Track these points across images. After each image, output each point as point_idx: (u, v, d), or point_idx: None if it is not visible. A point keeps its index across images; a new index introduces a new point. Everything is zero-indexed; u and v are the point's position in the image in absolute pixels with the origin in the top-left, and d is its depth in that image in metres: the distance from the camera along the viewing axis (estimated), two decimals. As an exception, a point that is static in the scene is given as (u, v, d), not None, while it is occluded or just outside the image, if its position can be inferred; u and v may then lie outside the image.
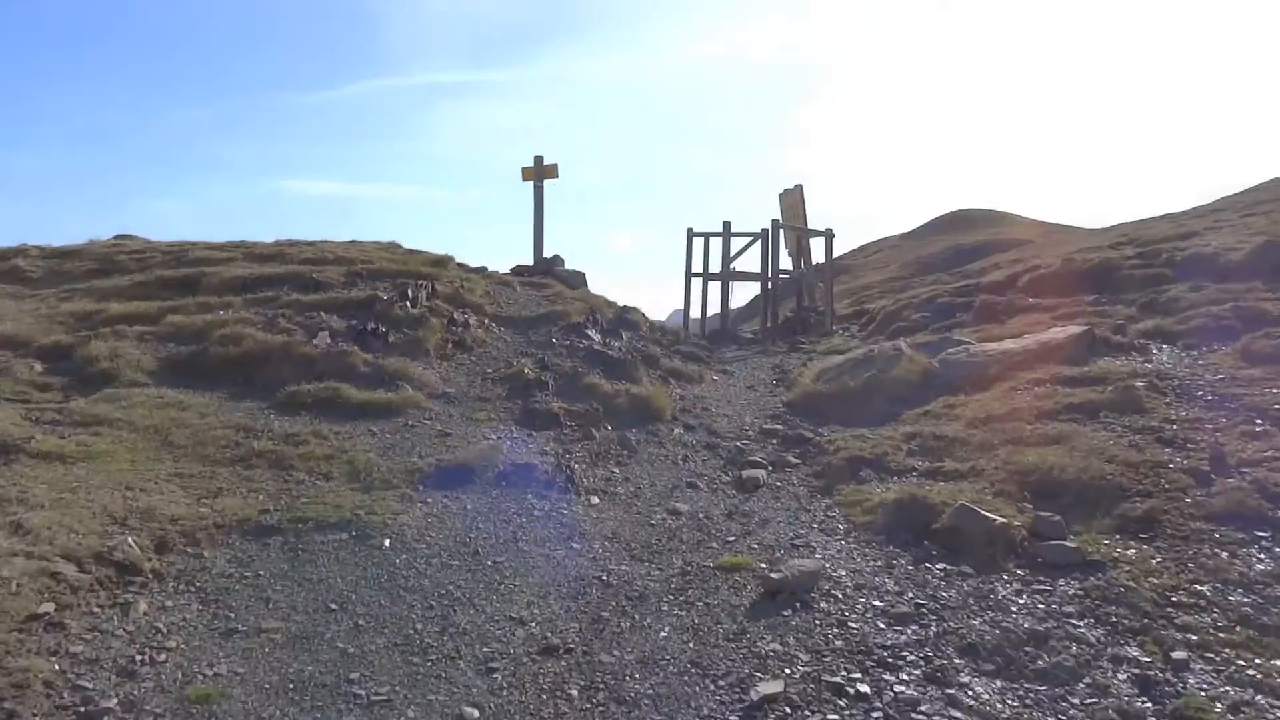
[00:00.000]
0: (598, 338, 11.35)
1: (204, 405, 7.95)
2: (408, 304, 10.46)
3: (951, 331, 14.05)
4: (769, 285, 18.93)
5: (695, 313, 20.20)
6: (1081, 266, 15.60)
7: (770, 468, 8.15)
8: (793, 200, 21.02)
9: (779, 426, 9.53)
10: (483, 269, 14.32)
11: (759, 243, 18.71)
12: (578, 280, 16.34)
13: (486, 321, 11.15)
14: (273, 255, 12.73)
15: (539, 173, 17.13)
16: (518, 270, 16.67)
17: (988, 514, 6.26)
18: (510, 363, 10.01)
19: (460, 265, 14.70)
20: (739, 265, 18.97)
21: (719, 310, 19.51)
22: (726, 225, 18.22)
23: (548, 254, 17.30)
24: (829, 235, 19.77)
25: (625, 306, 14.48)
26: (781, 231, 18.88)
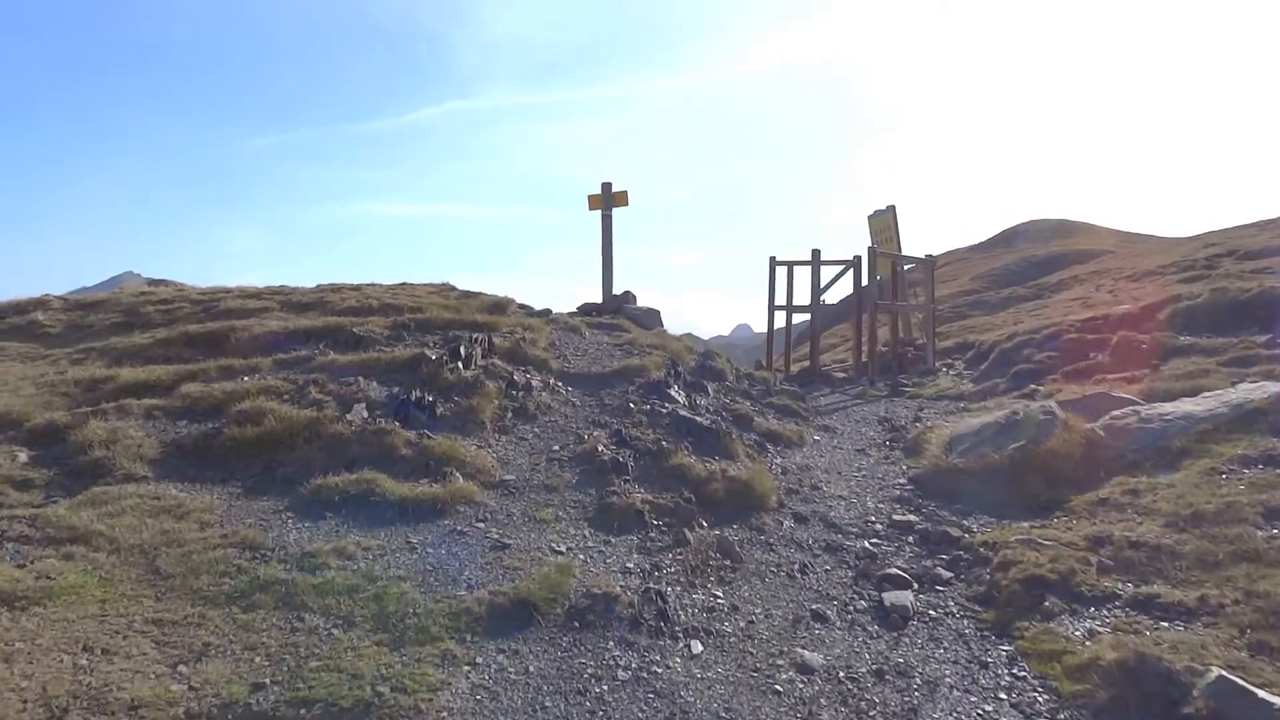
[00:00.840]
0: (682, 398, 9.66)
1: (207, 509, 6.45)
2: (459, 365, 8.91)
3: (1091, 378, 12.02)
4: (862, 318, 17.04)
5: (776, 344, 18.40)
6: (1238, 297, 13.39)
7: (916, 584, 6.33)
8: (884, 223, 19.10)
9: (912, 517, 7.70)
10: (546, 312, 12.76)
11: (846, 270, 16.87)
12: (651, 319, 14.70)
13: (551, 381, 9.54)
14: (312, 304, 11.37)
15: (607, 200, 15.56)
16: (585, 309, 15.11)
17: (1264, 693, 4.38)
18: (581, 435, 8.37)
19: (522, 308, 13.18)
20: (806, 296, 17.14)
21: (798, 341, 17.64)
22: (816, 254, 16.40)
23: (617, 288, 15.73)
24: (930, 263, 17.77)
25: (707, 353, 12.77)
26: (869, 258, 16.99)
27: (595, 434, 8.38)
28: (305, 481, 6.91)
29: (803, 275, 16.86)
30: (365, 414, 7.98)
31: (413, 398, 8.17)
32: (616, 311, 14.73)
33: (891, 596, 6.08)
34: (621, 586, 5.73)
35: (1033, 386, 12.34)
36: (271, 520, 6.43)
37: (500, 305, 12.05)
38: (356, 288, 12.27)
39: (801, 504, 7.97)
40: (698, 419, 8.95)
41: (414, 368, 8.85)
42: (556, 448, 8.13)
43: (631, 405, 9.09)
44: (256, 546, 5.93)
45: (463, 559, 6.03)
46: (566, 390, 9.52)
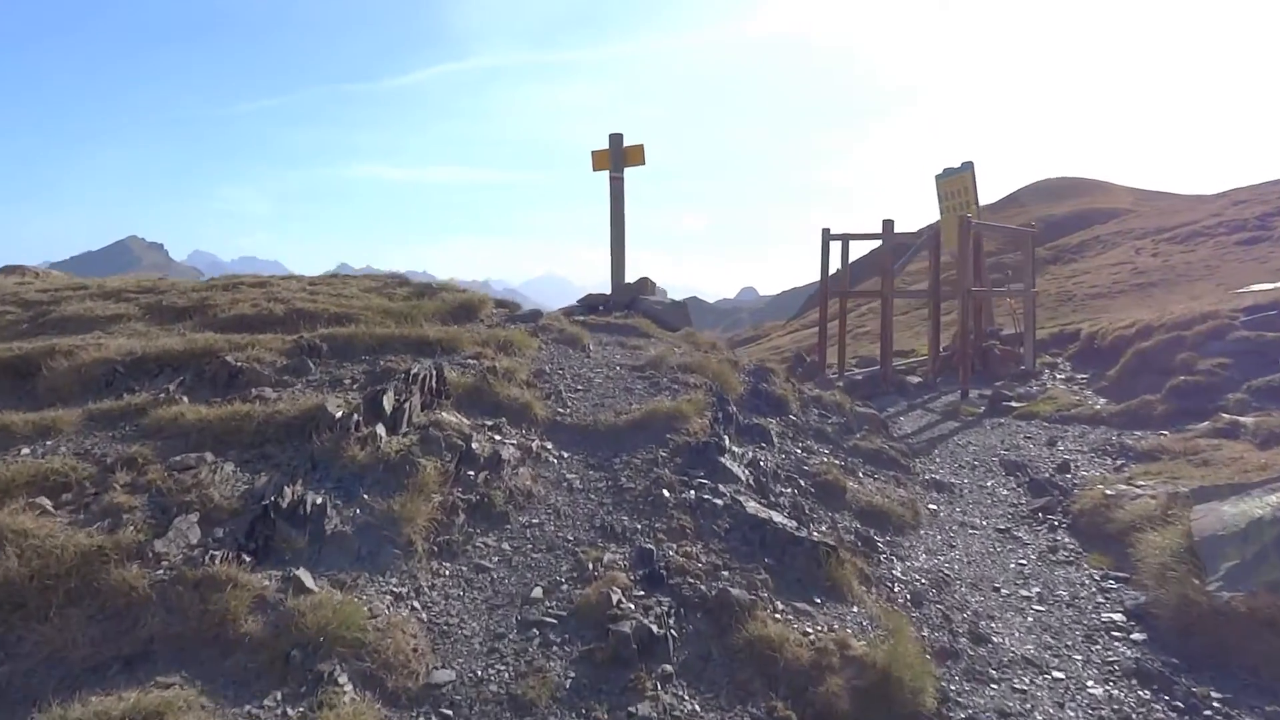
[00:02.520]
0: (741, 468, 6.12)
1: None
2: (381, 427, 5.35)
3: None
4: (939, 304, 13.41)
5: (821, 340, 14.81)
6: None
7: None
8: (959, 184, 15.36)
9: (1196, 735, 4.18)
10: (533, 315, 9.10)
11: (922, 246, 13.19)
12: (677, 316, 11.10)
13: (535, 445, 5.98)
14: (190, 308, 7.78)
15: (617, 158, 11.89)
16: (590, 304, 11.51)
17: None
18: (581, 560, 4.83)
19: (501, 306, 9.58)
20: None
21: (823, 336, 13.99)
22: (888, 226, 12.72)
23: (630, 274, 12.14)
24: (1030, 235, 14.04)
25: (758, 370, 9.19)
26: (958, 227, 13.29)
27: (607, 557, 4.84)
28: (47, 700, 3.43)
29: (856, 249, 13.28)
30: (196, 536, 4.46)
31: (284, 500, 4.63)
32: (630, 307, 11.12)
33: None
34: None
35: (1228, 417, 8.72)
36: None
37: (468, 308, 8.45)
38: (263, 282, 8.69)
39: (972, 694, 4.46)
40: (774, 517, 5.40)
41: (301, 435, 5.30)
42: (538, 592, 4.58)
43: (665, 492, 5.52)
44: None
45: None
46: (560, 458, 5.96)
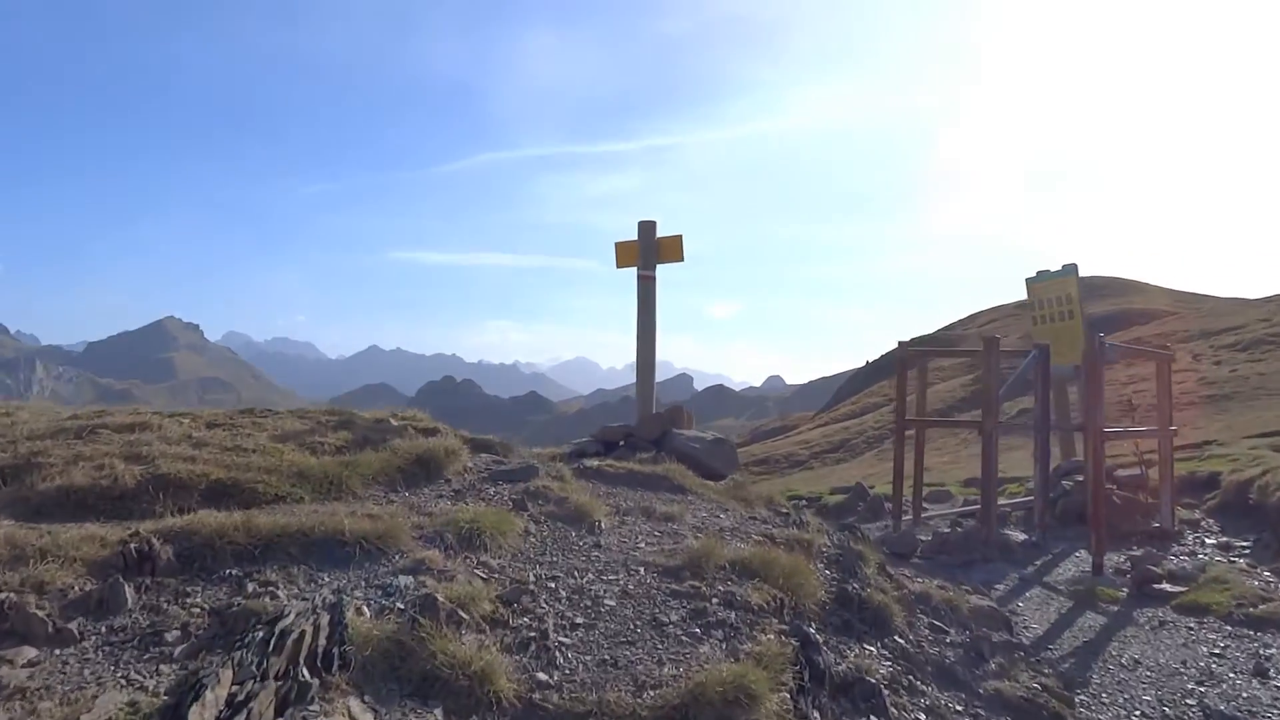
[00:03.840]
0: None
1: None
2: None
3: None
4: (1047, 439, 10.69)
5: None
6: None
7: None
8: (1059, 291, 12.81)
9: None
10: (526, 473, 6.45)
11: (1031, 364, 10.57)
12: (721, 459, 8.53)
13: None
14: (13, 467, 5.25)
15: (648, 251, 9.50)
16: (607, 440, 8.94)
17: None
18: None
19: (482, 449, 7.02)
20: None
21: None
22: (991, 343, 10.11)
23: (659, 394, 9.62)
24: (1170, 357, 11.34)
25: (842, 550, 6.52)
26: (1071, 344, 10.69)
27: None
28: None
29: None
30: None
31: None
32: (660, 445, 8.54)
33: None
34: None
35: None
36: None
37: (430, 462, 5.87)
38: (134, 425, 6.08)
39: None
40: None
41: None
42: None
43: None
44: None
45: None
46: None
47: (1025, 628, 7.59)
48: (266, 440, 5.87)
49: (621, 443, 8.71)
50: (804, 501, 15.89)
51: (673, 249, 9.33)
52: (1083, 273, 12.93)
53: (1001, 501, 12.28)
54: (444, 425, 7.46)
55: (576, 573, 4.98)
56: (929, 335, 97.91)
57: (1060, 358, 11.83)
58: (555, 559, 5.15)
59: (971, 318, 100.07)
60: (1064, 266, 12.86)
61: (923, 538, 10.56)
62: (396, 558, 4.54)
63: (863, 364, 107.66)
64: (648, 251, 9.39)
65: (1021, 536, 10.45)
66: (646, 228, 9.47)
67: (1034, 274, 13.37)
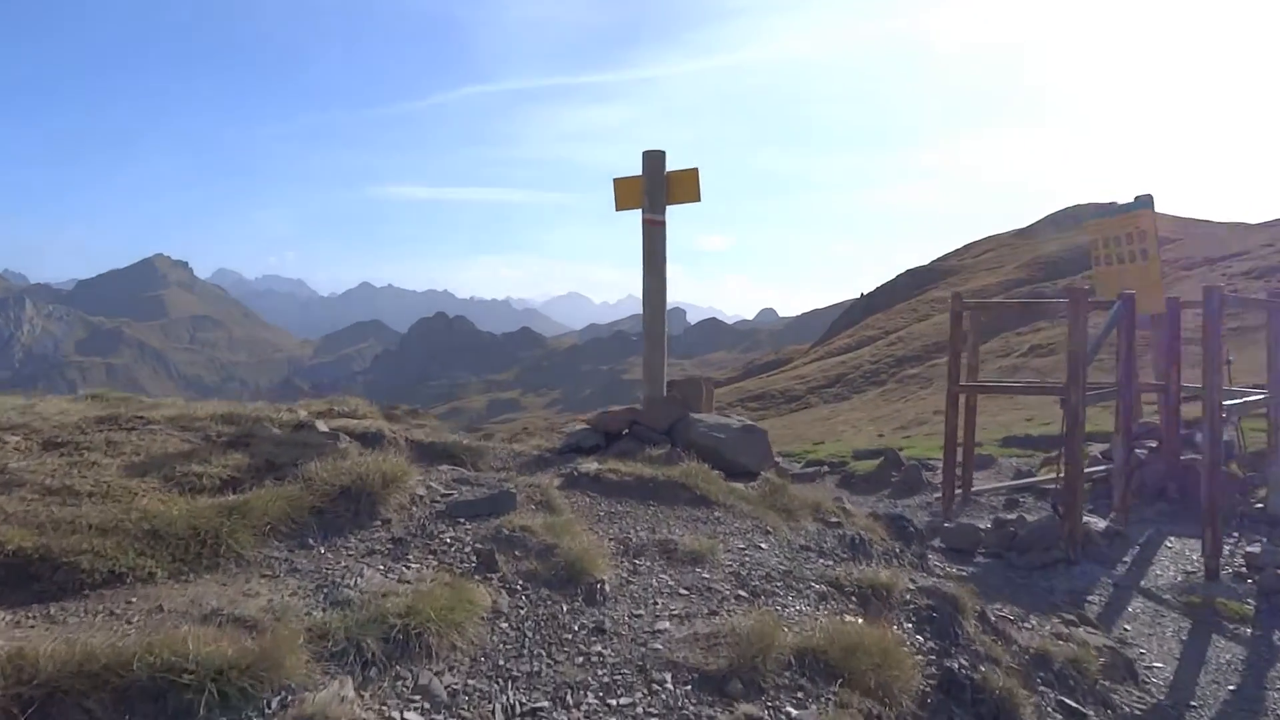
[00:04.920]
0: None
1: None
2: None
3: None
4: (1129, 403, 8.96)
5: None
6: None
7: None
8: (1132, 226, 10.94)
9: None
10: (503, 502, 4.66)
11: (1116, 320, 8.77)
12: (751, 453, 6.76)
13: None
14: None
15: (656, 191, 7.59)
16: (606, 429, 7.15)
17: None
18: None
19: (450, 459, 5.24)
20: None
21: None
22: (1079, 294, 8.25)
23: (670, 366, 7.86)
24: (1274, 304, 9.52)
25: (938, 610, 4.77)
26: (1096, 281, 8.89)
27: None
28: None
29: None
30: None
31: None
32: (672, 435, 6.76)
33: None
34: None
35: None
36: None
37: (361, 495, 4.09)
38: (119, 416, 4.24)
39: None
40: None
41: None
42: None
43: None
44: None
45: None
46: None
47: (1147, 668, 5.94)
48: (117, 472, 4.07)
49: (625, 431, 6.94)
50: (826, 468, 14.24)
51: (687, 186, 7.43)
52: (1071, 201, 11.01)
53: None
54: (391, 427, 5.69)
55: (570, 693, 3.24)
56: (925, 266, 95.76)
57: (1150, 304, 10.03)
58: (538, 664, 3.39)
59: (967, 248, 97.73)
60: (1136, 198, 10.97)
61: (979, 525, 8.91)
62: (275, 705, 2.77)
63: (858, 295, 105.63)
64: (655, 190, 7.49)
65: (1101, 524, 8.77)
66: (653, 160, 7.56)
67: (1109, 202, 11.45)
